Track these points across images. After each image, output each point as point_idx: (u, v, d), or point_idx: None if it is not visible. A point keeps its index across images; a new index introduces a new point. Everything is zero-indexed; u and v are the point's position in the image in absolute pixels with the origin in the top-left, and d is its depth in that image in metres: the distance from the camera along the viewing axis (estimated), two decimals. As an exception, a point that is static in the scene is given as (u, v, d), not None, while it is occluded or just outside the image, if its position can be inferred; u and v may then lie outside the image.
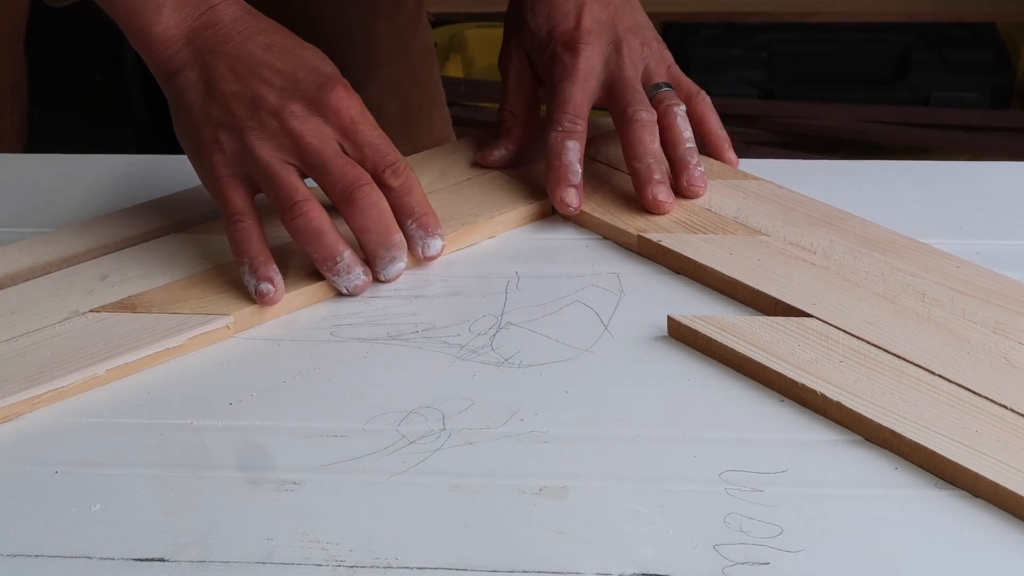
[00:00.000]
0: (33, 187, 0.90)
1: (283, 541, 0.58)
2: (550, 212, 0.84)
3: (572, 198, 0.81)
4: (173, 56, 0.76)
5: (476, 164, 0.87)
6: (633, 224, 0.80)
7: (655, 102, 0.84)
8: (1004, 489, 0.58)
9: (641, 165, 0.81)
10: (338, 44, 1.10)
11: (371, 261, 0.76)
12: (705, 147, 0.86)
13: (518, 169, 0.87)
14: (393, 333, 0.73)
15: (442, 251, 0.78)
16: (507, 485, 0.61)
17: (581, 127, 0.82)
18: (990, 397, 0.63)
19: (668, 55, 0.88)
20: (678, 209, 0.81)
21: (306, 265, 0.76)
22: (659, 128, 0.83)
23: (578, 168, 0.81)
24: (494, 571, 0.56)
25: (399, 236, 0.76)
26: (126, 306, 0.73)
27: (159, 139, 2.10)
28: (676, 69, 0.88)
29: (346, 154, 0.75)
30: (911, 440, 0.61)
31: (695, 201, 0.82)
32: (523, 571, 0.56)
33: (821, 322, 0.70)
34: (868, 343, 0.68)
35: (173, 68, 0.76)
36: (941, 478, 0.60)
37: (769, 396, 0.66)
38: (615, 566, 0.56)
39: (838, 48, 2.12)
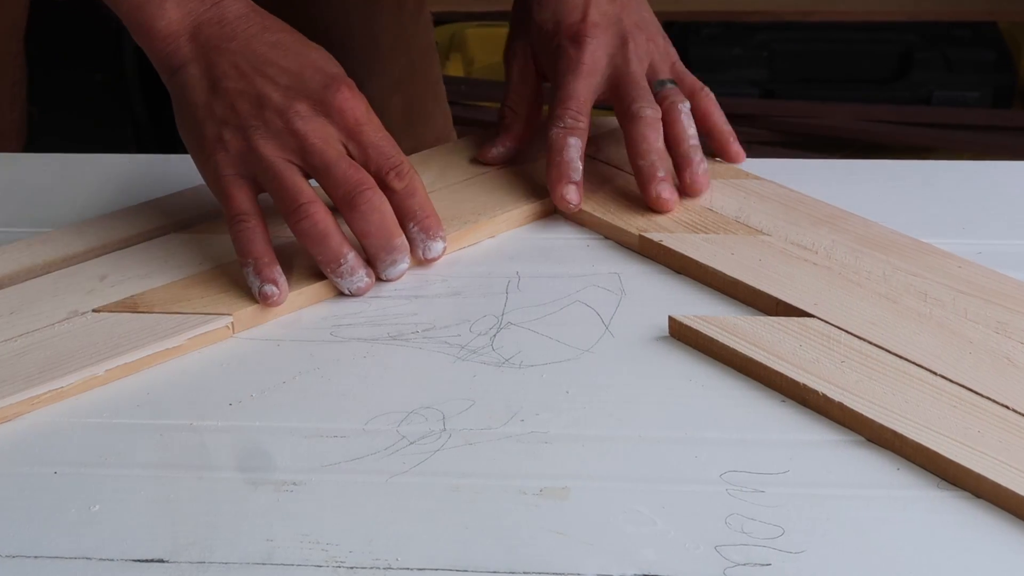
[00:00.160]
0: (33, 187, 0.90)
1: (283, 542, 0.58)
2: (551, 212, 0.83)
3: (573, 195, 0.81)
4: (176, 51, 0.76)
5: (476, 163, 0.87)
6: (634, 224, 0.80)
7: (659, 99, 0.83)
8: (1006, 490, 0.58)
9: (645, 162, 0.81)
10: (339, 40, 1.10)
11: (373, 263, 0.76)
12: (710, 142, 0.86)
13: (519, 167, 0.86)
14: (393, 333, 0.72)
15: (444, 253, 0.77)
16: (508, 486, 0.61)
17: (583, 124, 0.82)
18: (992, 397, 0.63)
19: (673, 52, 0.88)
20: (679, 208, 0.81)
21: (307, 265, 0.76)
22: (664, 125, 0.82)
23: (579, 165, 0.81)
24: (495, 572, 0.56)
25: (401, 240, 0.75)
26: (126, 306, 0.73)
27: (159, 138, 2.10)
28: (680, 66, 0.87)
29: (350, 155, 0.75)
30: (913, 441, 0.61)
31: (696, 200, 0.82)
32: (524, 572, 0.56)
33: (823, 322, 0.70)
34: (870, 343, 0.68)
35: (176, 64, 0.76)
36: (943, 479, 0.60)
37: (770, 396, 0.66)
38: (616, 567, 0.56)
39: (839, 47, 2.12)
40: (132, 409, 0.67)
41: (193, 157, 0.77)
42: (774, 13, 2.13)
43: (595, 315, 0.73)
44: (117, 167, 0.91)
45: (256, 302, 0.73)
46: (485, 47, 2.10)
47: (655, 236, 0.78)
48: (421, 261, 0.77)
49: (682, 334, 0.71)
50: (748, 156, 0.87)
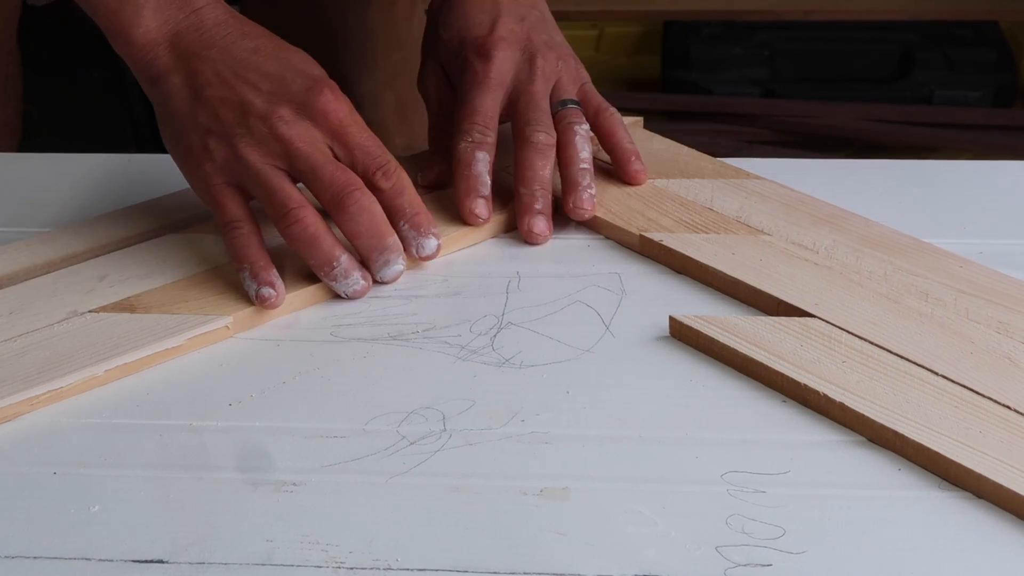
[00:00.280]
0: (32, 186, 0.90)
1: (283, 542, 0.58)
2: (555, 213, 0.83)
3: (481, 209, 0.80)
4: (155, 60, 0.76)
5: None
6: (635, 224, 0.80)
7: (557, 119, 0.82)
8: (1007, 490, 0.58)
9: (526, 191, 0.80)
10: (333, 36, 1.10)
11: (367, 265, 0.75)
12: (612, 161, 0.84)
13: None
14: (393, 333, 0.72)
15: (438, 251, 0.77)
16: (508, 486, 0.61)
17: (491, 138, 0.81)
18: (994, 398, 0.63)
19: (584, 74, 0.86)
20: (679, 208, 0.81)
21: (306, 266, 0.76)
22: (558, 146, 0.81)
23: (487, 179, 0.80)
24: (495, 573, 0.56)
25: (393, 239, 0.75)
26: (125, 306, 0.73)
27: (158, 137, 2.10)
28: (590, 87, 0.86)
29: (336, 158, 0.75)
30: (914, 441, 0.61)
31: (697, 200, 0.81)
32: (524, 572, 0.56)
33: (824, 322, 0.69)
34: (871, 343, 0.67)
35: (156, 73, 0.76)
36: (944, 479, 0.60)
37: (771, 396, 0.66)
38: (616, 567, 0.56)
39: (840, 46, 2.12)
40: (132, 409, 0.67)
41: (180, 167, 0.77)
42: (775, 12, 2.13)
43: (596, 315, 0.73)
44: (116, 167, 0.91)
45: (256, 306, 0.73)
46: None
47: (656, 236, 0.78)
48: (415, 260, 0.77)
49: (683, 334, 0.71)
50: (749, 156, 0.87)
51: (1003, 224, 0.81)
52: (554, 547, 0.57)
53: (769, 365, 0.66)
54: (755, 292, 0.73)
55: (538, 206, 0.80)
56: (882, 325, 0.69)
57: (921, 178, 0.87)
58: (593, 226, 0.82)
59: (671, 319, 0.71)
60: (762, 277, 0.74)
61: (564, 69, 0.85)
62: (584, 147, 0.81)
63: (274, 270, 0.73)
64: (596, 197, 0.81)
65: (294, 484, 0.61)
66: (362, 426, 0.65)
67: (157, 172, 0.80)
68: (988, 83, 2.05)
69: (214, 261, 0.77)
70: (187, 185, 0.80)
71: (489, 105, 0.82)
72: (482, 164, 0.80)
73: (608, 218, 0.80)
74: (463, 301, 0.75)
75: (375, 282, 0.76)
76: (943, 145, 1.98)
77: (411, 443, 0.64)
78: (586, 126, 0.82)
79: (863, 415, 0.63)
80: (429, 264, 0.78)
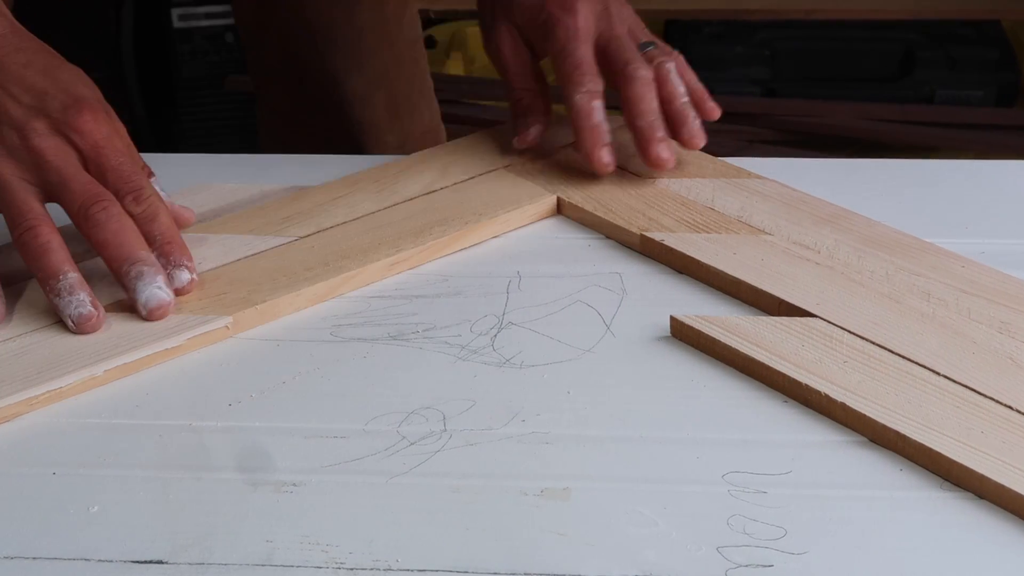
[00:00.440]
0: (32, 186, 0.89)
1: (283, 543, 0.58)
2: (552, 212, 0.83)
3: (608, 156, 0.83)
4: None
5: (477, 163, 0.87)
6: (636, 223, 0.79)
7: (647, 59, 0.85)
8: (1009, 490, 0.58)
9: (644, 123, 0.82)
10: (323, 34, 1.10)
11: (120, 281, 0.72)
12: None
13: (518, 168, 0.86)
14: (394, 333, 0.72)
15: (191, 285, 0.73)
16: (508, 486, 0.61)
17: (600, 86, 0.84)
18: (995, 398, 0.63)
19: (640, 21, 0.89)
20: (680, 208, 0.81)
21: (307, 267, 0.76)
22: (656, 84, 0.84)
23: (608, 126, 0.83)
24: (495, 573, 0.56)
25: (146, 253, 0.72)
26: (125, 306, 0.73)
27: (158, 137, 2.10)
28: (649, 33, 0.89)
29: None
30: (916, 441, 0.61)
31: (698, 200, 0.81)
32: (524, 573, 0.56)
33: (825, 322, 0.69)
34: (873, 343, 0.67)
35: None
36: (946, 479, 0.60)
37: (773, 397, 0.66)
38: (617, 568, 0.56)
39: (842, 46, 2.11)
40: (131, 409, 0.67)
41: None
42: (776, 11, 2.13)
43: (596, 315, 0.73)
44: (117, 166, 0.91)
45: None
46: (486, 46, 2.10)
47: (657, 236, 0.78)
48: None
49: (684, 334, 0.70)
50: (750, 155, 0.87)
51: (1005, 224, 0.81)
52: (555, 548, 0.57)
53: (770, 365, 0.66)
54: (756, 292, 0.73)
55: (659, 134, 0.82)
56: (884, 325, 0.69)
57: (923, 178, 0.87)
58: (594, 226, 0.81)
59: (672, 319, 0.71)
60: (763, 277, 0.73)
61: (629, 16, 0.88)
62: (679, 82, 0.85)
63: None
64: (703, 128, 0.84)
65: (294, 484, 0.61)
66: (362, 426, 0.65)
67: (158, 172, 0.80)
68: (990, 82, 2.05)
69: (213, 261, 0.77)
70: (186, 184, 0.80)
71: (589, 55, 0.85)
72: (600, 112, 0.83)
73: (609, 217, 0.80)
74: (463, 301, 0.75)
75: (136, 310, 0.71)
76: (945, 145, 1.98)
77: (411, 443, 0.63)
78: (673, 63, 0.85)
79: (865, 415, 0.62)
80: (429, 264, 0.78)
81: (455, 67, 2.10)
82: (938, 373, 0.65)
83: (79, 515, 0.60)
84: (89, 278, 0.72)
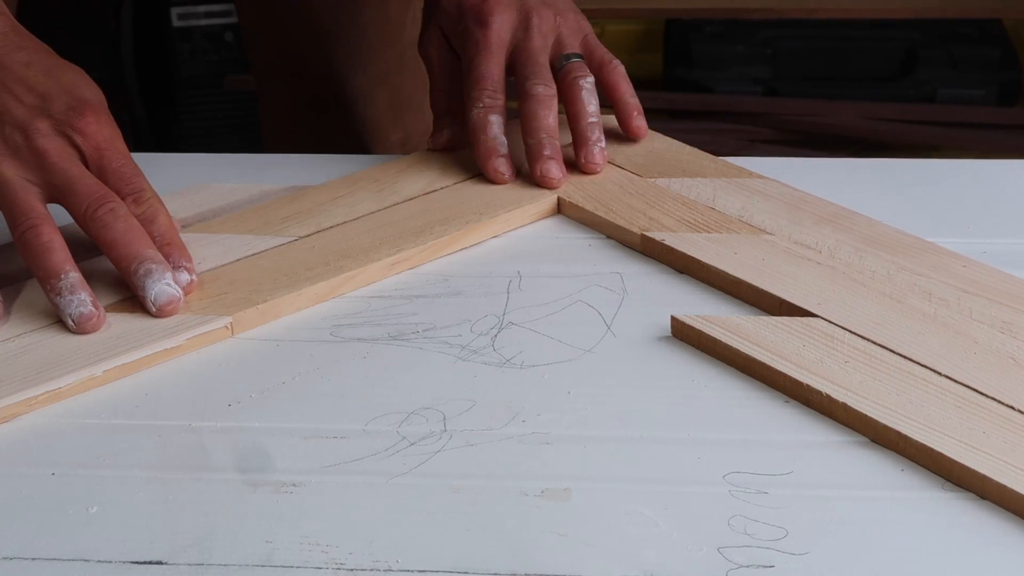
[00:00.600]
0: (32, 186, 0.89)
1: (282, 544, 0.57)
2: (553, 211, 0.83)
3: (504, 167, 0.83)
4: None
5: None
6: (636, 223, 0.79)
7: (562, 74, 0.85)
8: (1011, 491, 0.57)
9: (533, 141, 0.83)
10: (326, 33, 1.10)
11: (128, 280, 0.72)
12: (615, 115, 0.87)
13: (523, 165, 0.86)
14: (394, 333, 0.72)
15: (191, 287, 0.73)
16: (509, 487, 0.60)
17: (500, 100, 0.84)
18: (997, 398, 0.63)
19: (586, 26, 0.89)
20: (681, 208, 0.80)
21: (308, 267, 0.75)
22: (565, 101, 0.84)
23: (503, 139, 0.83)
24: (495, 574, 0.56)
25: (153, 251, 0.72)
26: (125, 306, 0.73)
27: (158, 137, 2.10)
28: (593, 39, 0.88)
29: None
30: (917, 441, 0.60)
31: (699, 199, 0.81)
32: (525, 574, 0.56)
33: (826, 322, 0.69)
34: (874, 343, 0.67)
35: None
36: (948, 480, 0.60)
37: (774, 397, 0.66)
38: (618, 569, 0.56)
39: (843, 45, 2.11)
40: (130, 410, 0.67)
41: None
42: (777, 11, 2.13)
43: (597, 315, 0.73)
44: (117, 166, 0.91)
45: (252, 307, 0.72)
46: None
47: (657, 235, 0.78)
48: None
49: (685, 334, 0.70)
50: (751, 155, 0.87)
51: (1006, 223, 0.81)
52: (555, 548, 0.57)
53: (771, 365, 0.66)
54: (757, 292, 0.73)
55: (547, 152, 0.82)
56: (885, 325, 0.69)
57: (924, 177, 0.87)
58: (594, 225, 0.81)
59: (673, 319, 0.71)
60: (764, 277, 0.73)
61: (563, 24, 0.87)
62: (591, 101, 0.84)
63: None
64: (607, 151, 0.83)
65: (294, 485, 0.61)
66: (362, 426, 0.65)
67: (157, 171, 0.80)
68: (992, 81, 2.05)
69: (213, 261, 0.77)
70: (186, 184, 0.80)
71: (494, 70, 0.84)
72: (496, 126, 0.83)
73: (609, 217, 0.80)
74: (464, 301, 0.75)
75: (146, 309, 0.71)
76: (946, 144, 1.98)
77: (411, 443, 0.63)
78: (591, 79, 0.85)
79: (866, 415, 0.62)
80: (429, 264, 0.78)
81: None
82: (940, 373, 0.65)
83: (78, 515, 0.60)
84: (89, 278, 0.72)
